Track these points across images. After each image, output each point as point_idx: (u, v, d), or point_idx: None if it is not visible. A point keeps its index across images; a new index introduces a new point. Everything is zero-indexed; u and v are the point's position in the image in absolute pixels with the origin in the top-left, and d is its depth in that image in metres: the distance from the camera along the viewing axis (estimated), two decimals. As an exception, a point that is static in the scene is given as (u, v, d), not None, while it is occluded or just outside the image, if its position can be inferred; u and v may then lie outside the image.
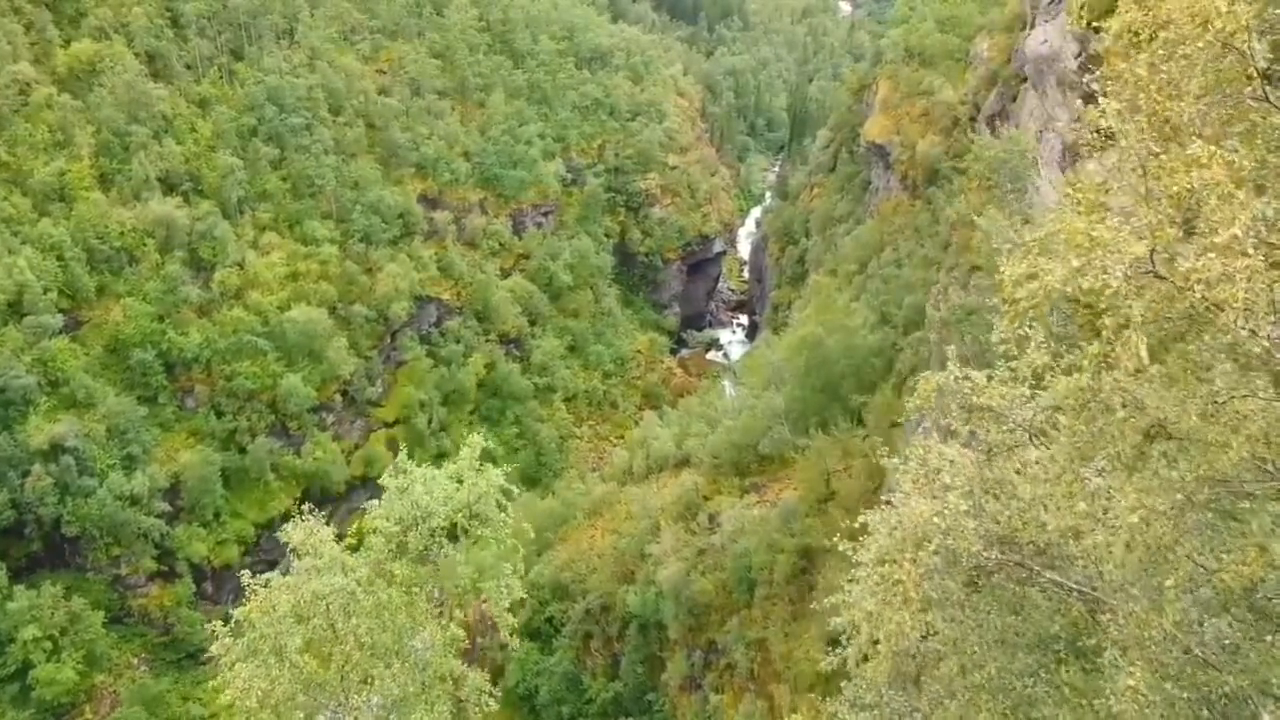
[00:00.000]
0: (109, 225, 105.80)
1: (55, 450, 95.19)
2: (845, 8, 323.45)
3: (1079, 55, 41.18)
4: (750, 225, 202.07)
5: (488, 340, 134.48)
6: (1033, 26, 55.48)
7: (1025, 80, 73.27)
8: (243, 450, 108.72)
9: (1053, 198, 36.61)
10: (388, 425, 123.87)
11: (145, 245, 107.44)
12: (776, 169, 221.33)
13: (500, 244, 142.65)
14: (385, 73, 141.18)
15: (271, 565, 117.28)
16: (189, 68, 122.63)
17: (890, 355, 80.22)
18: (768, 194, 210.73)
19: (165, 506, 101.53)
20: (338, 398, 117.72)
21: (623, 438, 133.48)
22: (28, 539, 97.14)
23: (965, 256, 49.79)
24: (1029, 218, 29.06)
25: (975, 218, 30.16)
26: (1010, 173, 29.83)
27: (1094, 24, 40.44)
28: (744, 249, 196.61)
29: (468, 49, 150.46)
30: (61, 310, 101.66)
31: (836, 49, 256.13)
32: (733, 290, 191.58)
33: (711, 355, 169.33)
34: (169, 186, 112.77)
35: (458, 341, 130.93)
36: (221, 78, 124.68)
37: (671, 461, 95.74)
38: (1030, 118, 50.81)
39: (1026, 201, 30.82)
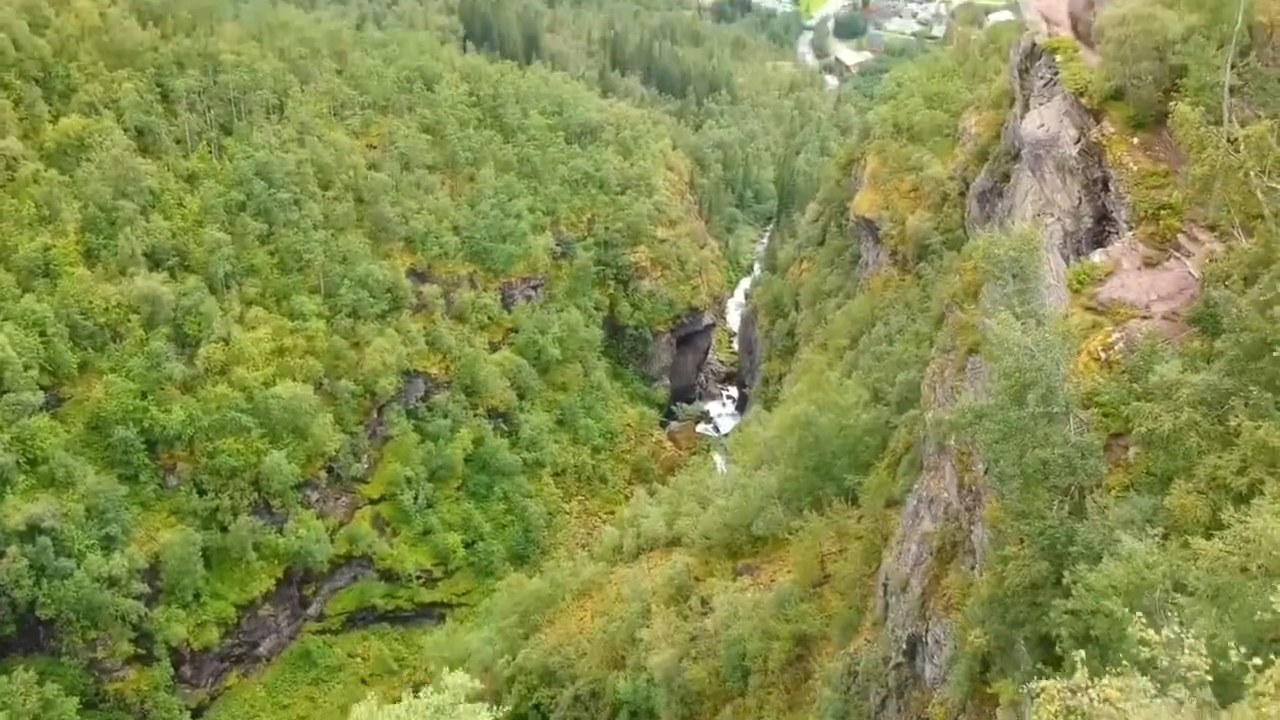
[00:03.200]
0: (93, 301, 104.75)
1: (32, 531, 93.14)
2: (832, 82, 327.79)
3: (1078, 141, 40.72)
4: (739, 296, 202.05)
5: (476, 415, 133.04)
6: (1026, 107, 55.27)
7: (1016, 158, 73.20)
8: (224, 529, 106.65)
9: (1054, 284, 35.83)
10: (373, 502, 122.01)
11: (129, 321, 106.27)
12: (765, 240, 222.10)
13: (489, 318, 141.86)
14: (375, 147, 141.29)
15: (253, 646, 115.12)
16: (178, 143, 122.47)
17: (884, 434, 79.21)
18: (756, 265, 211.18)
19: (144, 588, 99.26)
20: (322, 474, 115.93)
21: (612, 513, 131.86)
22: (1, 623, 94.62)
23: (962, 337, 48.90)
24: (1040, 318, 28.22)
25: (987, 320, 29.31)
26: (1020, 270, 29.05)
27: (1095, 109, 40.07)
28: (733, 320, 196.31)
29: (458, 124, 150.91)
30: (42, 387, 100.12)
31: (823, 123, 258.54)
32: (722, 362, 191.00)
33: (701, 428, 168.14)
34: (155, 262, 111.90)
35: (445, 416, 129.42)
36: (210, 153, 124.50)
37: (662, 541, 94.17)
38: (1026, 199, 50.27)
39: (1032, 292, 29.99)
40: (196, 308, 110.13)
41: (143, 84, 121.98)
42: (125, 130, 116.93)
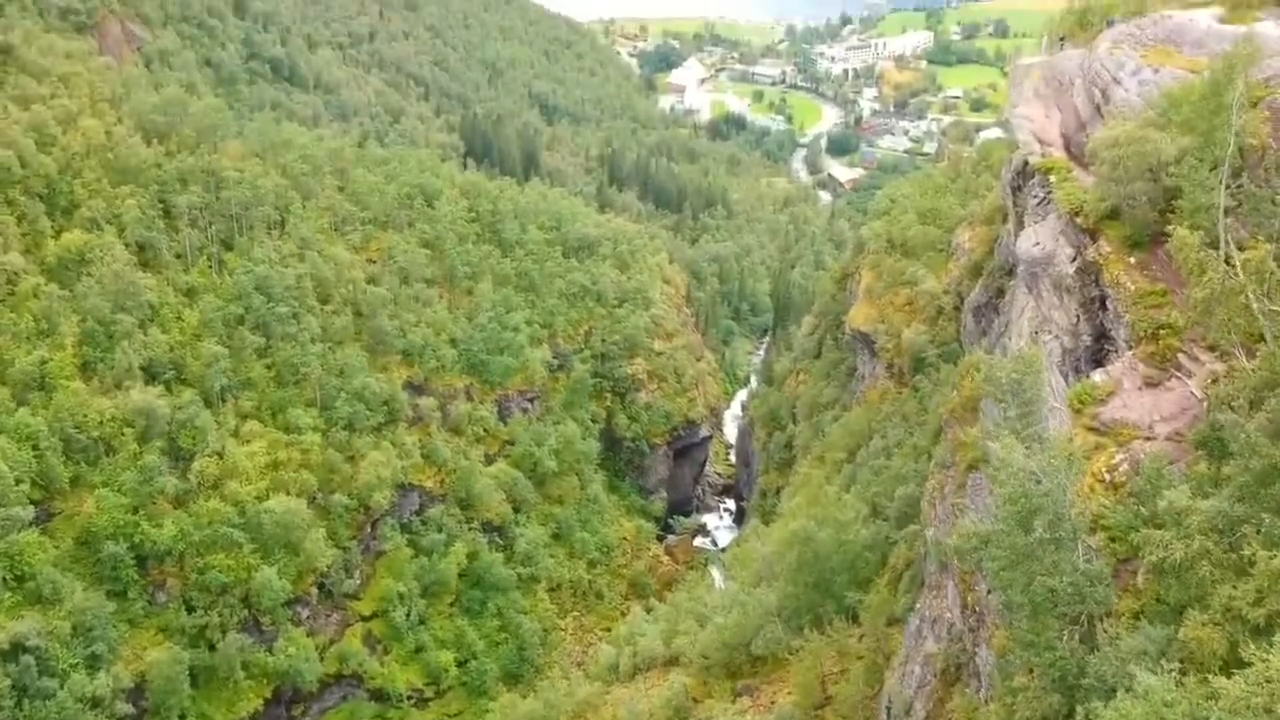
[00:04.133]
0: (88, 414, 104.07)
1: (15, 649, 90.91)
2: (825, 197, 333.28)
3: (1075, 260, 40.92)
4: (736, 408, 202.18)
5: (470, 528, 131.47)
6: (1020, 224, 55.86)
7: (1010, 273, 73.75)
8: (212, 647, 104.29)
9: (1055, 406, 35.55)
10: (364, 619, 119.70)
11: (124, 435, 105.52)
12: (761, 352, 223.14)
13: (485, 430, 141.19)
14: (375, 262, 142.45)
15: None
16: (179, 257, 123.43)
17: (884, 549, 78.31)
18: (753, 377, 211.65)
19: (128, 708, 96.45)
20: (313, 590, 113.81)
21: (609, 630, 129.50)
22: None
23: (961, 453, 48.51)
24: (1044, 441, 27.92)
25: (990, 444, 29.05)
26: (1021, 397, 28.84)
27: (1090, 229, 40.36)
28: (730, 432, 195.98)
29: (457, 239, 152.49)
30: (33, 502, 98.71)
31: (818, 237, 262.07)
32: (719, 474, 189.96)
33: (699, 541, 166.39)
34: (151, 375, 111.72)
35: (439, 530, 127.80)
36: (211, 267, 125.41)
37: (660, 660, 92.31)
38: (1023, 316, 50.47)
39: (1035, 414, 29.72)
40: (191, 421, 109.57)
41: (145, 200, 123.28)
42: (126, 245, 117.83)
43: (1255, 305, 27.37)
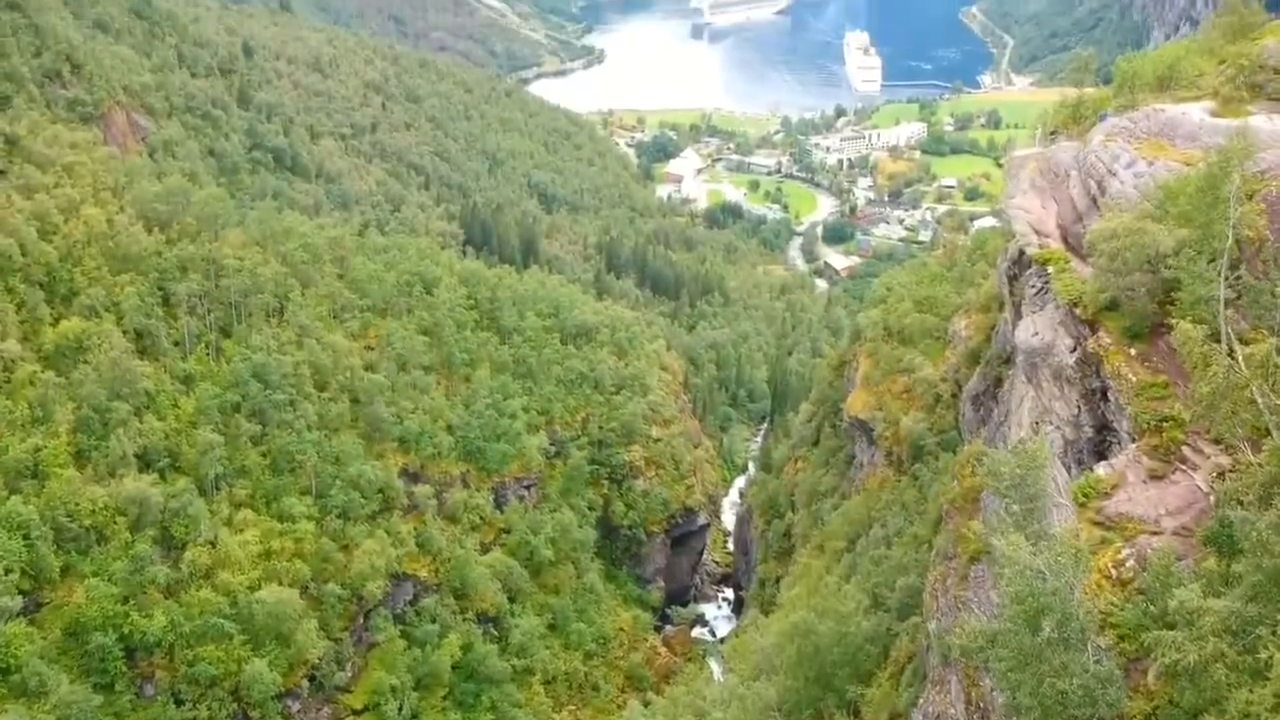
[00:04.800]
0: (80, 503, 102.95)
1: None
2: (821, 285, 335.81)
3: (1074, 351, 40.78)
4: (734, 495, 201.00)
5: (465, 619, 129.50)
6: (1017, 313, 55.89)
7: (1008, 362, 73.62)
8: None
9: (1060, 501, 35.05)
10: (355, 713, 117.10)
11: (116, 523, 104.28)
12: (759, 439, 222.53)
13: (481, 518, 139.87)
14: (373, 349, 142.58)
15: None
16: (176, 344, 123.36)
17: (886, 642, 76.93)
18: (750, 464, 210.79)
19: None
20: (304, 683, 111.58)
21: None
22: None
23: (963, 545, 47.71)
24: (1049, 537, 27.48)
25: (994, 541, 28.63)
26: (1025, 492, 28.51)
27: (1090, 320, 40.30)
28: (728, 519, 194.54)
29: (455, 326, 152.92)
30: (21, 592, 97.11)
31: (814, 324, 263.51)
32: (717, 563, 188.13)
33: (697, 632, 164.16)
34: (146, 463, 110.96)
35: (433, 621, 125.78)
36: (208, 355, 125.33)
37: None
38: (1023, 405, 50.21)
39: (1040, 510, 29.29)
40: (185, 510, 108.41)
41: (145, 288, 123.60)
42: (125, 333, 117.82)
43: (1260, 400, 27.20)
